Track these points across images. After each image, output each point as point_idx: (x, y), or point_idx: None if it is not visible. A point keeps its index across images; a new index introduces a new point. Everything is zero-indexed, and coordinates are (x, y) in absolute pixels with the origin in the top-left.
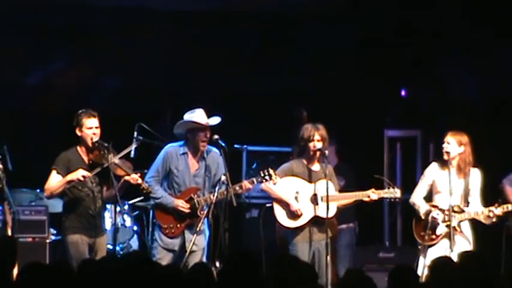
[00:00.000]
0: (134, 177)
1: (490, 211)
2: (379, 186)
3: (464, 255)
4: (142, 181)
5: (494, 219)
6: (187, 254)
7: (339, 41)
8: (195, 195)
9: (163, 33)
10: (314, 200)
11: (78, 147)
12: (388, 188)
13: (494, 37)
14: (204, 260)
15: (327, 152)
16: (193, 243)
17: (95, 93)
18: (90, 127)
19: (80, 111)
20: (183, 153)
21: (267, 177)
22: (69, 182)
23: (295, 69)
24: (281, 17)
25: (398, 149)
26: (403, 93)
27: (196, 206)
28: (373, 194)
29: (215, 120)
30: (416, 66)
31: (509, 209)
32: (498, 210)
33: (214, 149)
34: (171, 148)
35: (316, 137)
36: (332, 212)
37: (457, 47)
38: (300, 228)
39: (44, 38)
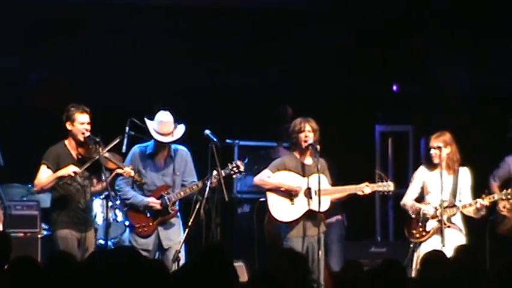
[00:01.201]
0: (127, 170)
1: (477, 202)
2: (371, 180)
3: (458, 249)
4: (135, 173)
5: (483, 212)
6: (180, 245)
7: (331, 37)
8: (165, 193)
9: (153, 29)
10: (308, 194)
11: (67, 142)
12: (381, 181)
13: (485, 32)
14: (183, 255)
15: (318, 146)
16: (168, 239)
17: (86, 90)
18: (82, 122)
19: (72, 105)
20: (151, 153)
21: (235, 169)
22: (59, 177)
23: (286, 65)
24: (272, 14)
25: (390, 144)
26: (394, 88)
27: (168, 203)
28: (366, 188)
29: (179, 132)
30: (408, 62)
31: (496, 198)
32: (485, 201)
33: (182, 148)
34: (138, 149)
35: (307, 128)
36: (325, 206)
37: (449, 42)
38: (295, 222)
39: (35, 34)
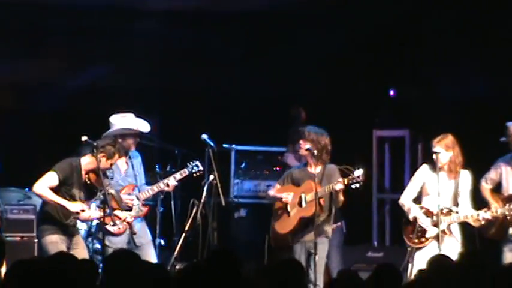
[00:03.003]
0: (126, 217)
1: (478, 215)
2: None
3: (464, 253)
4: (131, 224)
5: (483, 222)
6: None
7: (328, 42)
8: (133, 192)
9: (151, 33)
10: (299, 202)
11: (83, 162)
12: (351, 172)
13: (481, 39)
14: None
15: (315, 152)
16: (140, 236)
17: (85, 93)
18: (112, 163)
19: (116, 142)
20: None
21: (195, 168)
22: (62, 206)
23: (284, 70)
24: (270, 17)
25: (387, 149)
26: (391, 93)
27: (137, 201)
28: (339, 184)
29: (146, 127)
30: (405, 67)
31: (498, 213)
32: (487, 215)
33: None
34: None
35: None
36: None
37: (445, 47)
38: (292, 231)
39: (37, 38)
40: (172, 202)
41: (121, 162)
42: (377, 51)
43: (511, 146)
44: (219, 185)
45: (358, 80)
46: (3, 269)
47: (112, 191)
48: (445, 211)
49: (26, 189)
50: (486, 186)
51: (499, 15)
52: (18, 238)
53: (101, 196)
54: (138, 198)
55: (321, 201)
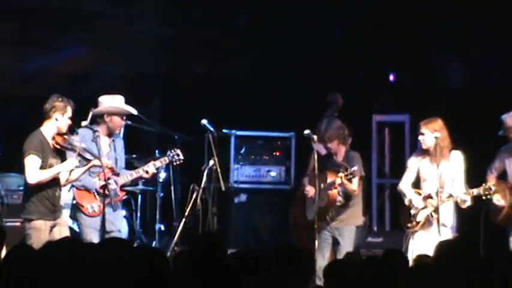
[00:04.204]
0: (105, 162)
1: (458, 197)
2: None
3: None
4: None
5: (468, 203)
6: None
7: (327, 26)
8: (112, 175)
9: (149, 18)
10: (318, 193)
11: (43, 130)
12: (346, 170)
13: (482, 23)
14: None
15: (315, 136)
16: (111, 223)
17: (87, 79)
18: (71, 116)
19: (60, 97)
20: (96, 137)
21: (175, 157)
22: (59, 172)
23: (283, 55)
24: (268, 4)
25: (387, 134)
26: (391, 78)
27: (115, 185)
28: (338, 179)
29: (134, 110)
30: (405, 51)
31: (475, 193)
32: (465, 196)
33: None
34: (84, 132)
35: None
36: (322, 202)
37: (445, 31)
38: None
39: (36, 24)
40: (172, 187)
41: (104, 144)
42: (376, 35)
43: (509, 138)
44: (219, 170)
45: (357, 65)
46: (3, 252)
47: (83, 145)
48: (443, 196)
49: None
50: (491, 175)
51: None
52: (19, 223)
53: (77, 156)
54: (116, 183)
55: (335, 191)
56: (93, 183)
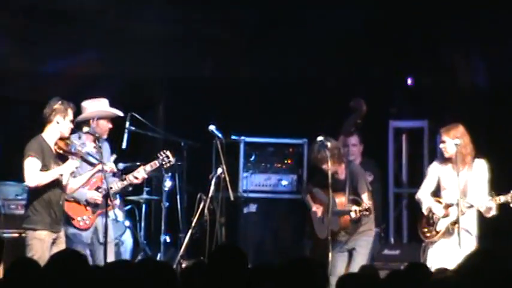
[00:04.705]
0: (111, 167)
1: (495, 200)
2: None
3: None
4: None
5: (494, 212)
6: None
7: (343, 29)
8: (102, 184)
9: (158, 19)
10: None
11: (45, 135)
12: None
13: (504, 23)
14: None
15: (329, 144)
16: (106, 234)
17: (88, 82)
18: (72, 119)
19: (60, 100)
20: (83, 143)
21: (165, 159)
22: (60, 175)
23: (295, 58)
24: (281, 3)
25: (404, 140)
26: (409, 81)
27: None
28: (352, 213)
29: (120, 112)
30: (423, 53)
31: (501, 201)
32: (490, 203)
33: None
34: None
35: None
36: (334, 225)
37: (466, 33)
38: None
39: (36, 23)
40: (178, 197)
41: (91, 149)
42: (394, 37)
43: None
44: (227, 178)
45: (373, 68)
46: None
47: (88, 149)
48: (465, 205)
49: (24, 183)
50: None
51: None
52: (16, 234)
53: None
54: (105, 190)
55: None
56: (83, 194)
